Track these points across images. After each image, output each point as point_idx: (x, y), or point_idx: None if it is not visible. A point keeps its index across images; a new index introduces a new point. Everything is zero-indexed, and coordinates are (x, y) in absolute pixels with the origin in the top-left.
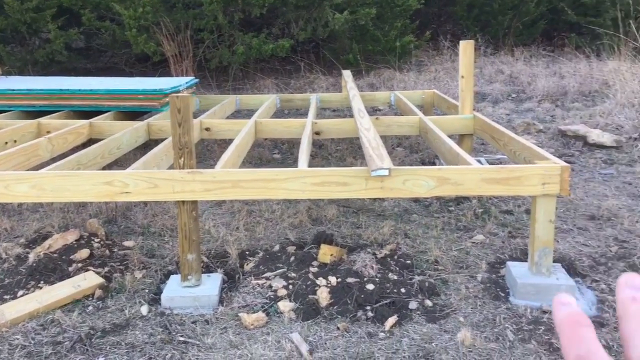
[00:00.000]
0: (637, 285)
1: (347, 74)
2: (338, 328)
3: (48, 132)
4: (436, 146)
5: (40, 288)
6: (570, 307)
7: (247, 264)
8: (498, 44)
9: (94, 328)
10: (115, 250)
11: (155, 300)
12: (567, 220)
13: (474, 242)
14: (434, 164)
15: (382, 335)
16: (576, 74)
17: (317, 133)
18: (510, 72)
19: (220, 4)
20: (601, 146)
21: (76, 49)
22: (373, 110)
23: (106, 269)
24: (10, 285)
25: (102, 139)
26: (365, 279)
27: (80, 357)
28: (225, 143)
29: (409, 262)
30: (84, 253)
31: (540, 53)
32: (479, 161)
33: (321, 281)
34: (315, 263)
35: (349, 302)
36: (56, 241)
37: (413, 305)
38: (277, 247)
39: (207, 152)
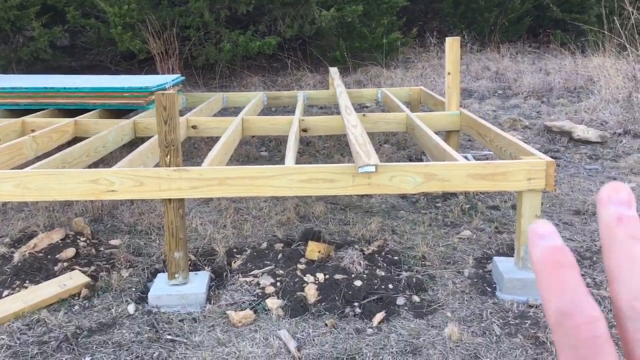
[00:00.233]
0: (623, 199)
1: (334, 71)
2: (326, 324)
3: (32, 131)
4: (423, 142)
5: (26, 287)
6: (550, 240)
7: (235, 262)
8: (484, 41)
9: (80, 327)
10: (102, 249)
11: (142, 299)
12: (553, 215)
13: (460, 238)
14: (420, 160)
15: (370, 331)
16: (561, 71)
17: (305, 130)
18: (497, 68)
19: (207, 1)
20: (586, 142)
21: (61, 47)
22: (360, 107)
23: (92, 268)
24: None
25: (87, 137)
26: (353, 276)
27: (66, 356)
28: (212, 141)
29: (396, 258)
30: (69, 252)
31: (526, 50)
32: (465, 157)
33: (309, 278)
34: (303, 260)
35: (336, 298)
36: (41, 240)
37: (401, 301)
38: (264, 245)
39: (193, 150)
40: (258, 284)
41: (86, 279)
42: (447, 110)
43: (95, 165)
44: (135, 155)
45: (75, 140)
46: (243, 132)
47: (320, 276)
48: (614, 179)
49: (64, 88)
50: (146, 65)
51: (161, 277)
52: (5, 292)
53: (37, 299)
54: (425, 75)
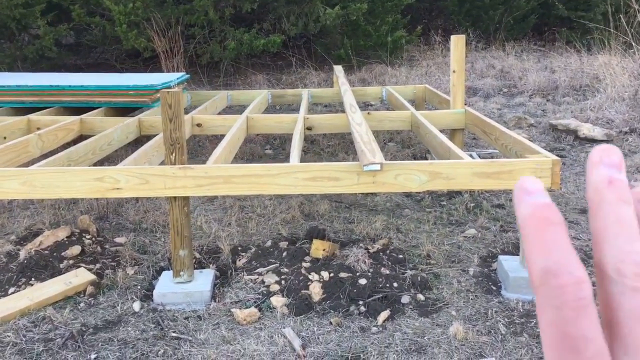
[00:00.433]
0: (615, 162)
1: (338, 69)
2: (331, 323)
3: (38, 129)
4: (428, 141)
5: (32, 285)
6: (537, 196)
7: (240, 260)
8: (489, 39)
9: (85, 325)
10: (107, 246)
11: (147, 297)
12: None
13: (465, 236)
14: (425, 158)
15: (374, 329)
16: (567, 69)
17: (309, 128)
18: (502, 66)
19: None
20: (592, 140)
21: (66, 45)
22: (365, 105)
23: (98, 265)
24: (0, 282)
25: (92, 135)
26: (357, 274)
27: (72, 354)
28: (216, 139)
29: (401, 256)
30: (75, 250)
31: (531, 48)
32: (470, 155)
33: (314, 276)
34: (307, 258)
35: (341, 296)
36: (47, 238)
37: (405, 299)
38: (269, 243)
39: (198, 148)
40: (263, 282)
41: (92, 277)
42: (452, 109)
43: (100, 163)
44: (140, 153)
45: (80, 138)
46: (248, 130)
47: (325, 274)
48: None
49: (70, 86)
50: (151, 64)
51: (166, 275)
52: (11, 290)
53: (43, 297)
54: (430, 74)
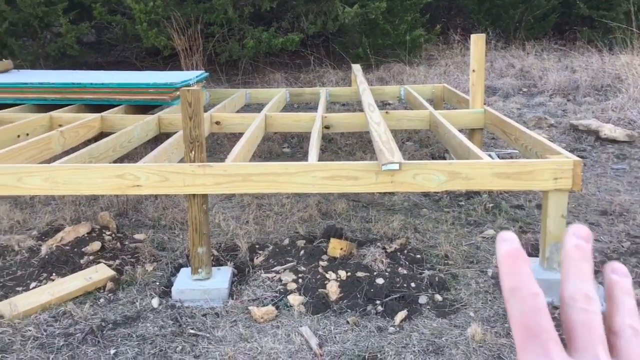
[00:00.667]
0: (583, 235)
1: (356, 68)
2: (348, 322)
3: (60, 126)
4: (446, 140)
5: (53, 280)
6: (511, 243)
7: (257, 258)
8: (509, 38)
9: (105, 320)
10: (126, 243)
11: (165, 293)
12: (579, 215)
13: (484, 237)
14: (443, 158)
15: (391, 329)
16: (588, 68)
17: (327, 127)
18: (521, 66)
19: None
20: (613, 141)
21: (87, 43)
22: (382, 104)
23: (117, 261)
24: (22, 277)
25: (113, 133)
26: (375, 273)
27: (91, 348)
28: (234, 137)
29: (418, 256)
30: (95, 246)
31: (552, 47)
32: (489, 156)
33: (331, 275)
34: (325, 257)
35: (358, 296)
36: (68, 234)
37: (423, 299)
38: (286, 241)
39: (216, 146)
40: (280, 280)
41: (111, 273)
42: (472, 108)
43: (120, 160)
44: (160, 150)
45: (101, 135)
46: (266, 129)
47: (342, 273)
48: None
49: (91, 84)
50: (170, 62)
51: (184, 272)
52: (33, 284)
53: (64, 292)
54: (449, 73)
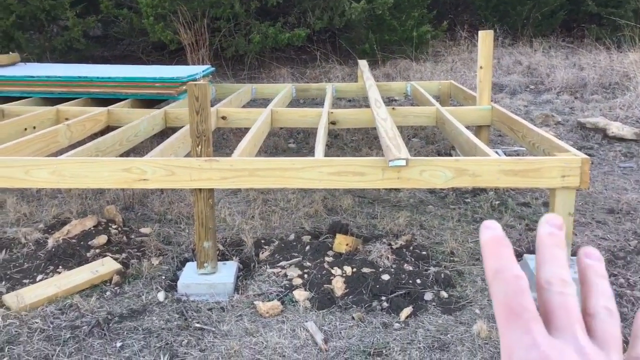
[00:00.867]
0: (556, 224)
1: (363, 63)
2: (353, 318)
3: (66, 119)
4: (453, 137)
5: (59, 273)
6: (494, 231)
7: (263, 253)
8: (516, 35)
9: (111, 313)
10: (133, 236)
11: (171, 287)
12: (586, 213)
13: None
14: (449, 155)
15: (397, 325)
16: (596, 66)
17: (333, 123)
18: (529, 63)
19: None
20: (621, 139)
21: (94, 36)
22: (389, 101)
23: (123, 255)
24: (29, 269)
25: (119, 127)
26: (380, 269)
27: (98, 341)
28: (240, 132)
29: (424, 253)
30: (102, 239)
31: (560, 44)
32: (496, 153)
33: (336, 271)
34: (330, 253)
35: (364, 292)
36: (75, 227)
37: (428, 296)
38: (292, 236)
39: (222, 141)
40: (285, 275)
41: (118, 266)
42: (478, 105)
43: (126, 154)
44: (166, 145)
45: (107, 129)
46: (272, 124)
47: (348, 269)
48: None
49: (97, 77)
50: (177, 56)
51: (190, 266)
52: (39, 277)
53: (70, 284)
54: (455, 69)
